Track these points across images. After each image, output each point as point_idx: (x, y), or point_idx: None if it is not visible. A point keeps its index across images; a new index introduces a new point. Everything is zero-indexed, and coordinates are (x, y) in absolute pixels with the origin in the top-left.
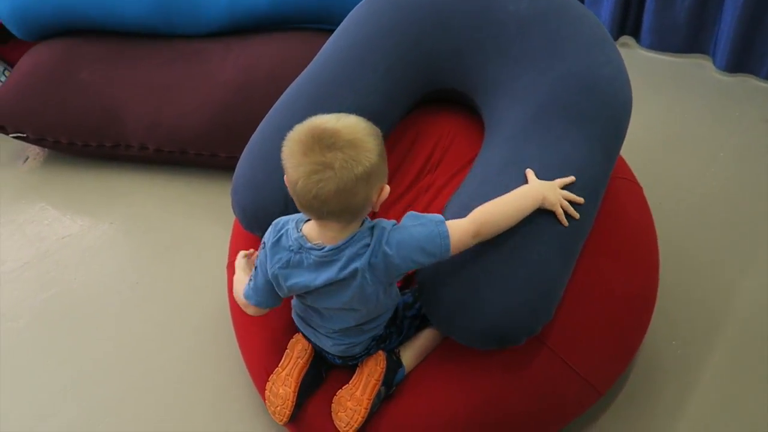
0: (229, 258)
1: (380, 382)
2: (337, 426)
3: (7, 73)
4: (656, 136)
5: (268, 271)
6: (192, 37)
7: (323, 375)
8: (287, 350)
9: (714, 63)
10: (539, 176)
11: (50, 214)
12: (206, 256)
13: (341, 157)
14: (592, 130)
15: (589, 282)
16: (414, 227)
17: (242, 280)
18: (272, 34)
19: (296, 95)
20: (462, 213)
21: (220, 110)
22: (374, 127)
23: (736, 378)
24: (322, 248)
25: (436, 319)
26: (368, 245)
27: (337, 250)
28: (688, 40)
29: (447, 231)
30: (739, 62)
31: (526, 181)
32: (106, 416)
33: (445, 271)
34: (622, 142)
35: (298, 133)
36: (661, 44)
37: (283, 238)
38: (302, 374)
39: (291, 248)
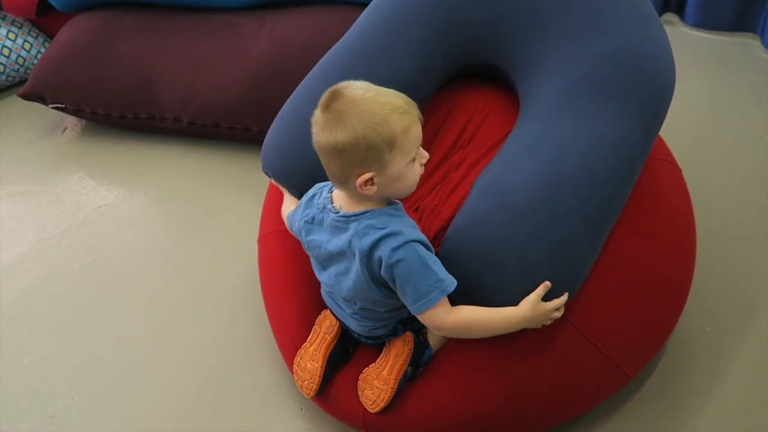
0: (261, 231)
1: (407, 363)
2: (363, 403)
3: (46, 44)
4: (698, 117)
5: (296, 224)
6: (227, 10)
7: (350, 351)
8: (315, 326)
9: (762, 42)
10: (571, 150)
11: (87, 184)
12: (237, 230)
13: (324, 120)
14: (631, 108)
15: (622, 262)
16: (423, 268)
17: (290, 207)
18: (306, 7)
19: (330, 65)
20: (491, 189)
21: (253, 84)
22: (388, 118)
23: None
24: (338, 212)
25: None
26: (377, 229)
27: (346, 219)
28: (735, 18)
29: (438, 302)
30: None
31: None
32: (135, 384)
33: (466, 249)
34: (662, 122)
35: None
36: (707, 22)
37: (316, 197)
38: (329, 350)
39: (318, 206)
